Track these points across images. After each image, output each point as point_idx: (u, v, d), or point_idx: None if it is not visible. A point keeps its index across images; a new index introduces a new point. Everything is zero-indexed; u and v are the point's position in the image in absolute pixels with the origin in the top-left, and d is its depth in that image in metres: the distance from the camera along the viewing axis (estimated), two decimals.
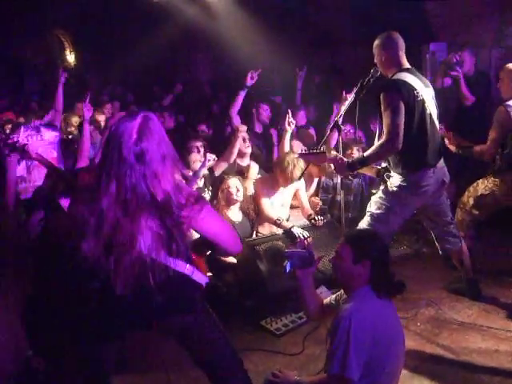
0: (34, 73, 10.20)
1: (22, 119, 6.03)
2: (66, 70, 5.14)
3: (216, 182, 4.49)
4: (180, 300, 2.12)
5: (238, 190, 4.28)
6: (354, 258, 2.27)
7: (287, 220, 4.49)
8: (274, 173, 4.47)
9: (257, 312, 3.82)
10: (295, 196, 4.72)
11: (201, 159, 4.40)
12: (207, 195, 4.43)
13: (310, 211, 4.56)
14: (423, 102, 3.42)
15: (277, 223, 4.28)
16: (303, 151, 3.74)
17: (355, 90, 3.63)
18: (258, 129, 5.92)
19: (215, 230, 2.11)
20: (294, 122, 4.84)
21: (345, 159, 3.52)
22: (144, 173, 1.91)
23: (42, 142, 4.48)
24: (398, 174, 3.52)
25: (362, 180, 5.14)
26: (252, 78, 5.18)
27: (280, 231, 4.26)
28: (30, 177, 4.15)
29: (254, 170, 4.82)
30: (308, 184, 4.96)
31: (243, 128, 4.72)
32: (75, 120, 5.68)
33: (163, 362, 3.13)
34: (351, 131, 5.52)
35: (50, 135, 4.56)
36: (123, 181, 1.90)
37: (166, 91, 7.99)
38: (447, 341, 3.44)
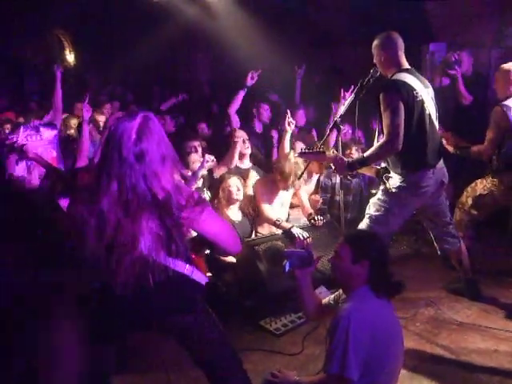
0: (34, 73, 10.19)
1: (21, 119, 6.03)
2: (63, 68, 5.13)
3: (215, 184, 4.49)
4: (180, 300, 2.12)
5: (238, 190, 4.30)
6: (353, 258, 2.27)
7: (287, 220, 4.50)
8: (273, 176, 4.46)
9: (256, 312, 3.82)
10: (295, 195, 4.73)
11: (200, 159, 4.41)
12: (206, 195, 4.44)
13: (310, 210, 4.56)
14: (422, 102, 3.43)
15: (276, 224, 4.28)
16: (303, 150, 3.74)
17: (355, 89, 3.64)
18: (258, 129, 5.93)
19: (215, 231, 2.11)
20: (294, 122, 4.83)
21: (344, 159, 3.52)
22: (144, 173, 1.91)
23: (42, 141, 4.49)
24: (398, 174, 3.52)
25: (361, 180, 5.13)
26: (252, 78, 5.19)
27: (279, 231, 4.27)
28: (30, 177, 4.16)
29: (253, 180, 4.77)
30: (307, 180, 4.95)
31: (240, 134, 4.71)
32: (74, 122, 5.71)
33: (163, 362, 3.13)
34: (349, 131, 5.53)
35: (49, 134, 4.56)
36: (124, 181, 1.90)
37: (167, 92, 7.98)
38: (446, 341, 3.44)
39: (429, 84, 3.61)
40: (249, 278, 3.98)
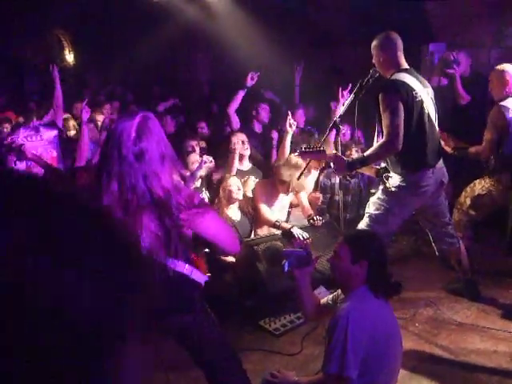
0: (34, 73, 10.19)
1: (21, 119, 6.04)
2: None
3: (212, 184, 4.49)
4: (179, 300, 2.12)
5: (238, 189, 4.30)
6: (352, 258, 2.27)
7: (287, 221, 4.49)
8: (273, 179, 4.45)
9: (256, 312, 3.82)
10: (295, 196, 4.72)
11: (198, 160, 4.40)
12: (205, 196, 4.44)
13: (310, 211, 4.56)
14: (422, 102, 3.43)
15: (276, 225, 4.27)
16: (303, 149, 3.74)
17: (354, 89, 3.64)
18: (258, 129, 5.92)
19: (214, 231, 2.11)
20: (295, 123, 4.80)
21: (344, 158, 3.53)
22: (143, 172, 1.92)
23: (42, 141, 4.49)
24: (398, 174, 3.52)
25: (360, 180, 5.13)
26: (252, 79, 5.18)
27: (279, 232, 4.27)
28: None
29: (251, 186, 4.74)
30: (306, 175, 4.92)
31: (237, 139, 4.67)
32: (72, 123, 5.72)
33: (162, 362, 3.13)
34: (348, 132, 5.51)
35: (49, 135, 4.57)
36: (124, 180, 1.90)
37: (167, 92, 7.97)
38: (446, 341, 3.44)
39: (428, 84, 3.62)
40: (248, 278, 3.99)
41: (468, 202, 4.26)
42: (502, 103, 3.95)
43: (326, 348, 2.21)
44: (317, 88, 7.27)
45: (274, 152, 5.31)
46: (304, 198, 4.72)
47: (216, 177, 4.55)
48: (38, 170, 3.91)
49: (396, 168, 3.52)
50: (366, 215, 3.61)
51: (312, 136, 5.66)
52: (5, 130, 5.03)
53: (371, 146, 3.58)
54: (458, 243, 3.87)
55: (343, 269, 2.31)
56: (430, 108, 3.49)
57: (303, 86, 6.79)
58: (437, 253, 3.93)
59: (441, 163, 3.61)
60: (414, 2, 6.60)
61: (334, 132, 3.89)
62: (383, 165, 3.66)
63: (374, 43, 3.57)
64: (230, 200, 4.31)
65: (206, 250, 3.01)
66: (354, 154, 4.83)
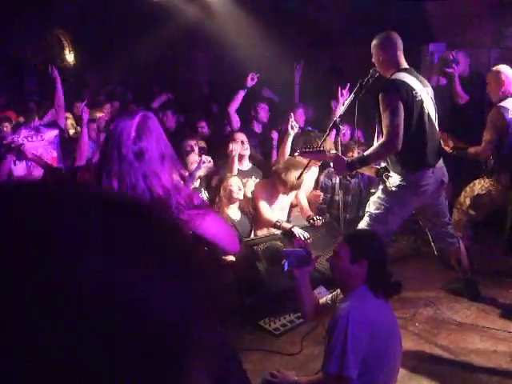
0: (34, 73, 10.20)
1: (21, 119, 6.04)
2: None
3: (211, 184, 4.49)
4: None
5: (239, 189, 4.30)
6: (351, 258, 2.27)
7: (287, 221, 4.49)
8: (273, 179, 4.45)
9: (255, 312, 3.82)
10: (295, 196, 4.72)
11: (197, 160, 4.40)
12: (204, 196, 4.44)
13: (309, 212, 4.54)
14: (422, 102, 3.43)
15: (277, 225, 4.27)
16: (303, 149, 3.73)
17: (354, 89, 3.64)
18: (258, 129, 5.92)
19: (214, 232, 2.11)
20: (297, 125, 4.75)
21: (344, 158, 3.53)
22: (143, 171, 1.92)
23: (43, 142, 4.49)
24: (398, 173, 3.52)
25: (360, 180, 5.12)
26: (252, 80, 5.18)
27: (279, 232, 4.27)
28: (30, 177, 4.16)
29: (252, 186, 4.74)
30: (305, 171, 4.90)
31: (235, 144, 4.65)
32: (71, 122, 5.72)
33: None
34: (348, 132, 5.51)
35: (50, 135, 4.57)
36: (124, 179, 1.90)
37: (166, 92, 7.96)
38: (445, 341, 3.44)
39: (428, 84, 3.62)
40: (248, 277, 3.99)
41: (468, 201, 4.26)
42: (501, 104, 3.96)
43: (325, 348, 2.21)
44: (317, 88, 7.27)
45: (274, 152, 5.30)
46: (303, 199, 4.71)
47: (216, 177, 4.55)
48: (40, 171, 3.91)
49: (396, 167, 3.52)
50: (367, 214, 3.62)
51: (314, 136, 5.65)
52: (5, 129, 5.04)
53: (371, 145, 3.58)
54: (458, 243, 3.87)
55: (343, 268, 2.31)
56: (429, 108, 3.49)
57: (303, 86, 6.79)
58: (436, 252, 3.93)
59: (441, 163, 3.62)
60: (414, 1, 6.60)
61: (334, 132, 3.89)
62: (383, 164, 3.66)
63: (373, 43, 3.57)
64: (231, 200, 4.31)
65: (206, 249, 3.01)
66: (355, 154, 4.82)
